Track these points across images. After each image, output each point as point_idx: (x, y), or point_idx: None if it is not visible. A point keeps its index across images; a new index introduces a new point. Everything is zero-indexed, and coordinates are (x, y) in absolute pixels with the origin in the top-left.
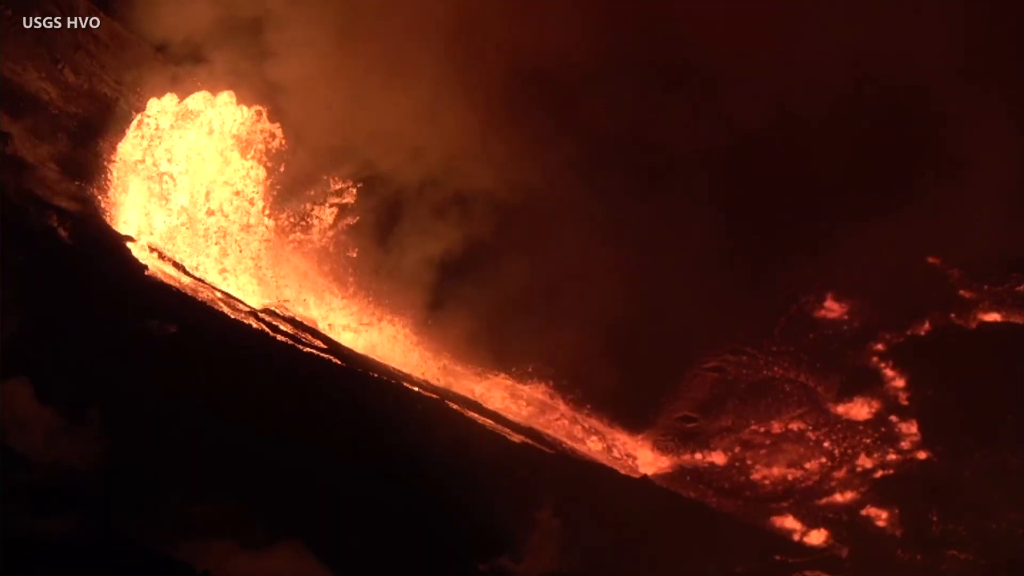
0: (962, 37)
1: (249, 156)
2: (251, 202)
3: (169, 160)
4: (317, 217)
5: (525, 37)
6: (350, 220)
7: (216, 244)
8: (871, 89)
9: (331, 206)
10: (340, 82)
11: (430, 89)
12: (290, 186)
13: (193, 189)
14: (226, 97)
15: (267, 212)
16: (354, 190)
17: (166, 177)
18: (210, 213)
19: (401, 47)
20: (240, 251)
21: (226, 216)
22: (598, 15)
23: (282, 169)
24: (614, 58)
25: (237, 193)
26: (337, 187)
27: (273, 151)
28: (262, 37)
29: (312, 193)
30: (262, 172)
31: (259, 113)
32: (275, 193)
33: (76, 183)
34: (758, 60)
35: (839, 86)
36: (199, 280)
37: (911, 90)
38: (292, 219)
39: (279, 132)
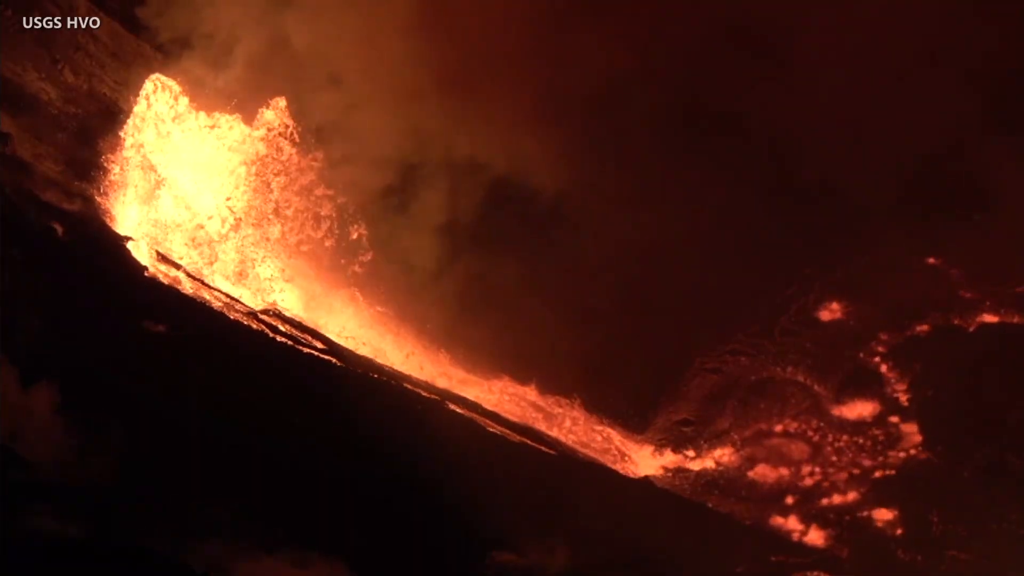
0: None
1: (253, 155)
2: (253, 202)
3: (170, 160)
4: (321, 218)
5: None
6: (353, 220)
7: (217, 244)
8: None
9: (336, 206)
10: (355, 81)
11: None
12: (294, 186)
13: (194, 189)
14: (234, 97)
15: (269, 213)
16: (359, 190)
17: (166, 177)
18: (210, 213)
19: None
20: (240, 251)
21: (227, 216)
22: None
23: (287, 169)
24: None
25: (239, 193)
26: (342, 187)
27: (280, 150)
28: (269, 32)
29: (315, 193)
30: (266, 171)
31: (265, 111)
32: (278, 194)
33: (76, 183)
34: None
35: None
36: (199, 280)
37: (923, 94)
38: (295, 220)
39: (287, 131)
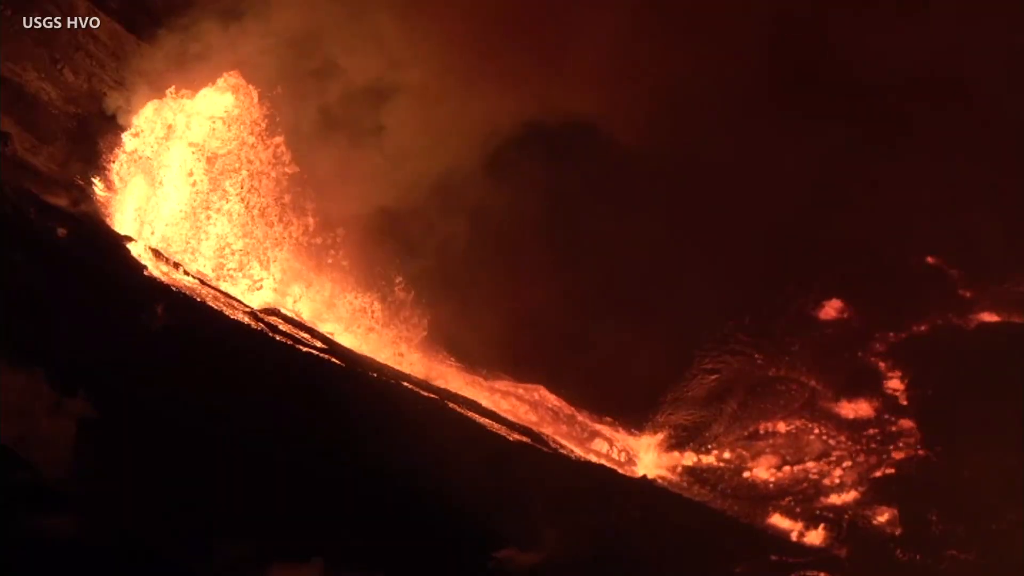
0: None
1: (253, 155)
2: (252, 202)
3: (169, 160)
4: (321, 219)
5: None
6: (353, 221)
7: (216, 244)
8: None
9: (344, 206)
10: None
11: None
12: (300, 185)
13: (193, 189)
14: (230, 95)
15: (268, 213)
16: (360, 189)
17: (166, 177)
18: (209, 214)
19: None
20: (240, 251)
21: (226, 216)
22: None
23: (287, 169)
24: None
25: (238, 193)
26: (350, 186)
27: (280, 150)
28: (273, 30)
29: (321, 191)
30: (266, 171)
31: (266, 110)
32: (277, 194)
33: (76, 183)
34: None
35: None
36: (198, 280)
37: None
38: (295, 220)
39: (287, 131)
